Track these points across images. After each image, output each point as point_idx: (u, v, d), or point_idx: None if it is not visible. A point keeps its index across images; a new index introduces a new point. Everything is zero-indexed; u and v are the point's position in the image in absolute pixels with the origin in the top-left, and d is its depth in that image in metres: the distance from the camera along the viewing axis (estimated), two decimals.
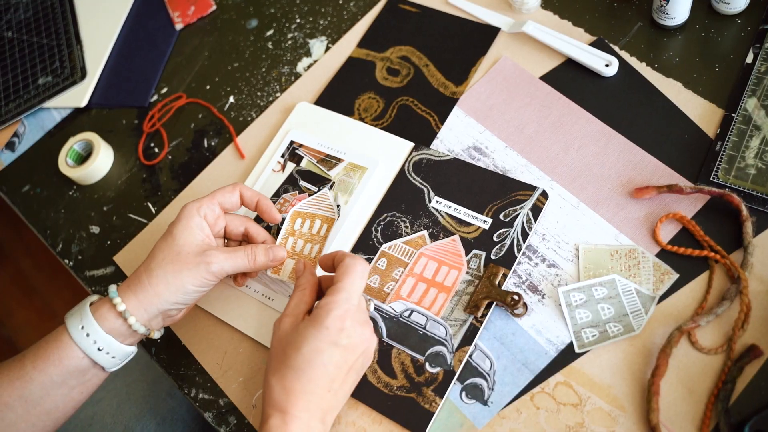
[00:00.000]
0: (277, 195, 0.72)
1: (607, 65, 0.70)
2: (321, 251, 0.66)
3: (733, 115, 0.64)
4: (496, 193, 0.66)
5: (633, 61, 0.70)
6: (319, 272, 0.63)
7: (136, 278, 0.59)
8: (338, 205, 0.70)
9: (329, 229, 0.68)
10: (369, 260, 0.66)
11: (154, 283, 0.58)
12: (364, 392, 0.60)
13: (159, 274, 0.58)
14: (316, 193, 0.71)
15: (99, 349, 0.57)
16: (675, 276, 0.59)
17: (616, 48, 0.72)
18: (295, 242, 0.67)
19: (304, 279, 0.59)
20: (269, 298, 0.66)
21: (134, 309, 0.58)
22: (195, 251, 0.58)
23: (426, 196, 0.68)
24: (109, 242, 0.77)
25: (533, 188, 0.65)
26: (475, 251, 0.64)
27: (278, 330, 0.56)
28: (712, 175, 0.62)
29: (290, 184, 0.73)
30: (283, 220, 0.67)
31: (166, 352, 0.68)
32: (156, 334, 0.61)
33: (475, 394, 0.58)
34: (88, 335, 0.57)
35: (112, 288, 0.59)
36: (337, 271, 0.56)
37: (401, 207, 0.68)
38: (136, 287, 0.58)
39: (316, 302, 0.58)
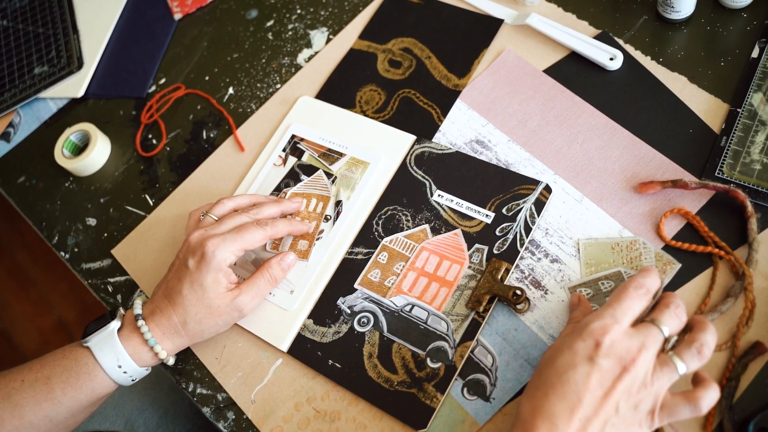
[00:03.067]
0: (278, 189, 0.72)
1: (611, 59, 0.69)
2: (318, 227, 0.68)
3: (738, 110, 0.63)
4: (499, 187, 0.66)
5: (638, 55, 0.70)
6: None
7: (171, 327, 0.60)
8: (340, 201, 0.69)
9: (325, 206, 0.69)
10: (370, 254, 0.65)
11: (190, 334, 0.60)
12: (364, 387, 0.60)
13: (195, 328, 0.60)
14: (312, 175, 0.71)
15: (133, 380, 0.61)
16: (677, 265, 0.59)
17: (620, 41, 0.71)
18: (294, 219, 0.69)
19: (578, 312, 0.55)
20: (271, 294, 0.66)
21: (170, 351, 0.61)
22: (225, 302, 0.60)
23: (428, 189, 0.68)
24: (105, 235, 0.76)
25: (536, 182, 0.65)
26: (477, 246, 0.63)
27: (543, 356, 0.50)
28: (717, 171, 0.61)
29: (291, 178, 0.72)
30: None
31: None
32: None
33: (477, 390, 0.58)
34: (125, 372, 0.59)
35: (148, 334, 0.59)
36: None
37: (403, 201, 0.68)
38: (173, 336, 0.60)
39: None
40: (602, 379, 0.45)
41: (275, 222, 0.63)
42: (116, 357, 0.58)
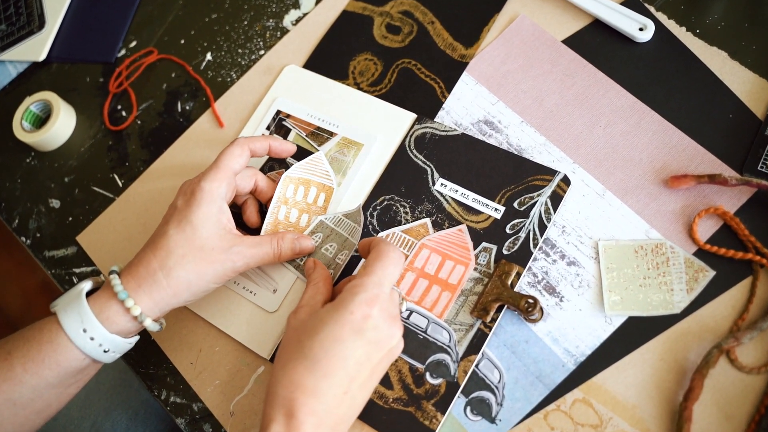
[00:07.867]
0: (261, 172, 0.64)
1: (641, 29, 0.61)
2: (309, 221, 0.59)
3: None
4: (511, 176, 0.58)
5: (671, 25, 0.61)
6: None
7: (149, 276, 0.51)
8: None
9: (328, 198, 0.60)
10: None
11: (173, 284, 0.51)
12: None
13: (180, 275, 0.51)
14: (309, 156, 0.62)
15: (105, 351, 0.51)
16: (711, 273, 0.52)
17: (651, 9, 0.62)
18: (289, 211, 0.59)
19: (317, 274, 0.54)
20: (251, 292, 0.59)
21: (149, 310, 0.51)
22: (220, 245, 0.52)
23: (429, 177, 0.60)
24: (70, 218, 0.69)
25: (553, 172, 0.57)
26: (484, 244, 0.56)
27: (293, 320, 0.50)
28: (760, 164, 0.54)
29: (275, 161, 0.64)
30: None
31: (134, 348, 0.61)
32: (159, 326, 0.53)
33: (482, 409, 0.52)
34: (92, 339, 0.50)
35: (119, 287, 0.50)
36: (368, 256, 0.51)
37: (401, 189, 0.60)
38: (151, 287, 0.51)
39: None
40: (370, 349, 0.46)
41: (251, 137, 0.57)
42: (80, 318, 0.49)
